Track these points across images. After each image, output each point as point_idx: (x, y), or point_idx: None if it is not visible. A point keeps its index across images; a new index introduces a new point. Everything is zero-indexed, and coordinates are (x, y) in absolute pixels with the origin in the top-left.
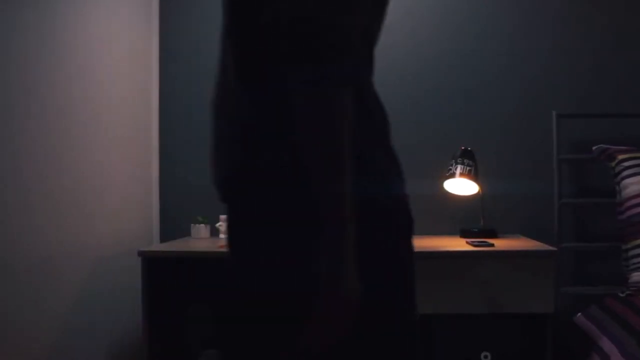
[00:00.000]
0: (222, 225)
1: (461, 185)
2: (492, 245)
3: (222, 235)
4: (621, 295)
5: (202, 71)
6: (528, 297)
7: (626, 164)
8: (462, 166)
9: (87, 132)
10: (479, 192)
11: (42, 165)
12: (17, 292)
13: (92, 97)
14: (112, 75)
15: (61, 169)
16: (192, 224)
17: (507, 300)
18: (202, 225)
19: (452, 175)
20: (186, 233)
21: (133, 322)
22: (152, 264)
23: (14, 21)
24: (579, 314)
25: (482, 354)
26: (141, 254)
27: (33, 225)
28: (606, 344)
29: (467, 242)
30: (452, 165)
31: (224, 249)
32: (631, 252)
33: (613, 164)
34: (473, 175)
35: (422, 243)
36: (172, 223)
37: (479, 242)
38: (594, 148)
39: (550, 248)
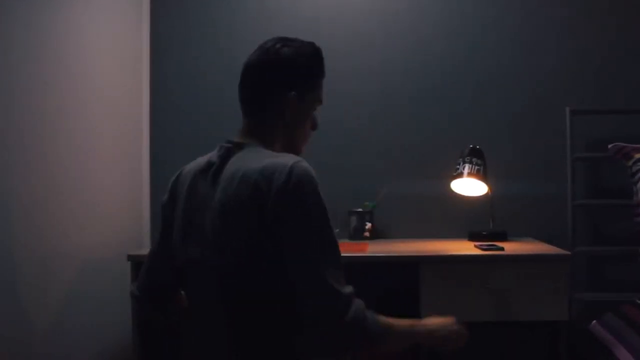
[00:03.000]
0: None
1: (469, 186)
2: (502, 249)
3: None
4: (638, 301)
5: (195, 71)
6: (541, 304)
7: None
8: (471, 165)
9: (76, 132)
10: (488, 192)
11: (30, 167)
12: (3, 296)
13: (81, 99)
14: (101, 74)
15: (49, 170)
16: None
17: (518, 308)
18: None
19: (460, 175)
20: None
21: (123, 329)
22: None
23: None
24: (594, 321)
25: None
26: (131, 258)
27: (20, 227)
28: (622, 353)
29: (475, 246)
30: (459, 164)
31: None
32: None
33: (630, 163)
34: (482, 175)
35: (428, 247)
36: None
37: (488, 245)
38: (609, 146)
39: (564, 252)
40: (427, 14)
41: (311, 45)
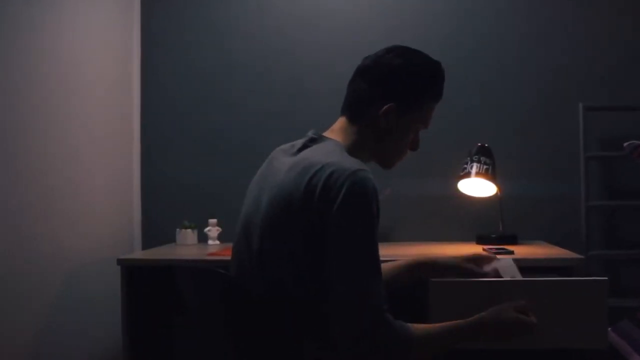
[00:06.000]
0: (210, 230)
1: (477, 186)
2: (512, 252)
3: (210, 242)
4: None
5: (187, 66)
6: (571, 329)
7: None
8: (479, 164)
9: (66, 133)
10: (497, 193)
11: (19, 169)
12: None
13: (72, 99)
14: (91, 70)
15: (38, 171)
16: (177, 229)
17: (546, 332)
18: (189, 230)
19: (468, 175)
20: (171, 239)
21: (112, 336)
22: (133, 273)
23: None
24: (609, 328)
25: None
26: (121, 262)
27: (9, 229)
28: None
29: (484, 249)
30: (467, 163)
31: (213, 257)
32: None
33: None
34: (491, 174)
35: (434, 250)
36: (156, 228)
37: (497, 249)
38: (625, 144)
39: (577, 256)
40: (431, 7)
41: (432, 63)
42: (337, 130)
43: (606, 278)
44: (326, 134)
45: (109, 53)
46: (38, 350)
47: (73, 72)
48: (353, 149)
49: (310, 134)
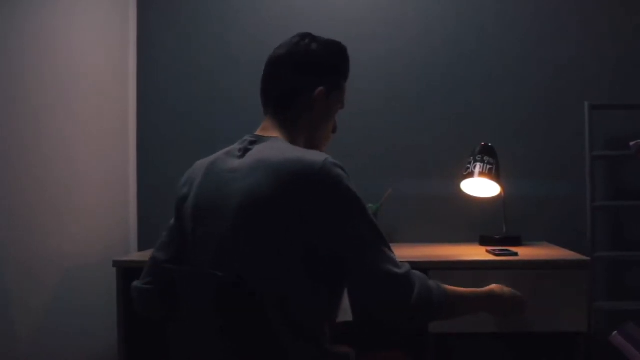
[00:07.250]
0: None
1: (481, 186)
2: (516, 254)
3: None
4: None
5: (185, 64)
6: (558, 314)
7: None
8: (482, 164)
9: (60, 131)
10: (500, 193)
11: (12, 168)
12: None
13: (66, 97)
14: (87, 69)
15: (30, 168)
16: None
17: (533, 318)
18: None
19: (471, 175)
20: None
21: (108, 340)
22: (129, 275)
23: None
24: (615, 332)
25: None
26: (117, 264)
27: (1, 230)
28: None
29: (487, 251)
30: (470, 163)
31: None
32: None
33: None
34: (494, 174)
35: (437, 252)
36: (152, 229)
37: (500, 250)
38: (631, 144)
39: (583, 257)
40: (433, 5)
41: (338, 44)
42: (270, 128)
43: (588, 258)
44: (260, 133)
45: (105, 51)
46: (33, 352)
47: (69, 71)
48: (292, 143)
49: (248, 137)
